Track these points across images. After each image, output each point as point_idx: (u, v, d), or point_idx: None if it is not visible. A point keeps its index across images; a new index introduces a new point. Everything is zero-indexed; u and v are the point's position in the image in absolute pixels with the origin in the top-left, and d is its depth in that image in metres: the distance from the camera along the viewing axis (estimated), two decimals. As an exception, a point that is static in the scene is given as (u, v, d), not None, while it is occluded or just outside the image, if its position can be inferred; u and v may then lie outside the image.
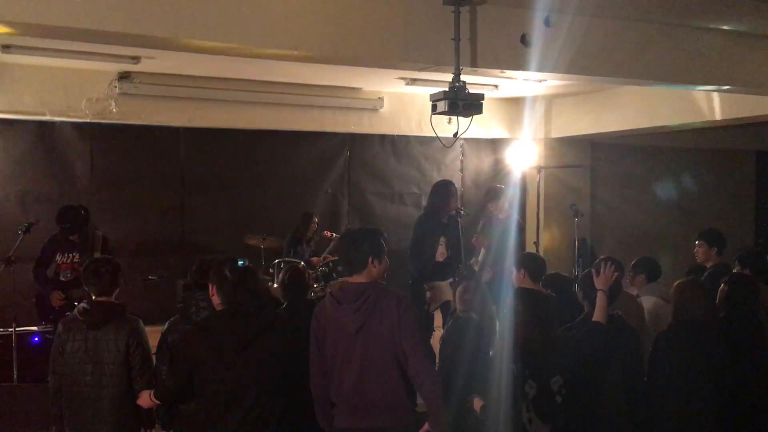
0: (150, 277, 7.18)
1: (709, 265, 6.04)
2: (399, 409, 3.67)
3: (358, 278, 3.71)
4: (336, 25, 5.43)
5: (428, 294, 6.56)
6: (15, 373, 5.74)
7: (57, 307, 6.02)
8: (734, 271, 5.73)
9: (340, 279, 7.58)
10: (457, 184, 7.48)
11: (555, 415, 3.81)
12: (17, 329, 5.88)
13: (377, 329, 3.61)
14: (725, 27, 6.63)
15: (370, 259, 3.68)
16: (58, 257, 6.17)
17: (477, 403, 4.06)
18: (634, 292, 5.45)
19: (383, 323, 3.61)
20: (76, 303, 4.74)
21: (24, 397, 4.94)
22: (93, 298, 4.29)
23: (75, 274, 6.05)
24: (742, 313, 4.67)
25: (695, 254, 6.22)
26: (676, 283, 4.47)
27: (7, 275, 5.94)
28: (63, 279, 6.17)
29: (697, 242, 6.21)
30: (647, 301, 5.36)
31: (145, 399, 4.13)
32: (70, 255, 6.18)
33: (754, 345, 4.64)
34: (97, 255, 5.84)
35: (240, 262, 3.80)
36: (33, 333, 6.20)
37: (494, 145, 11.05)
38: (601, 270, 4.19)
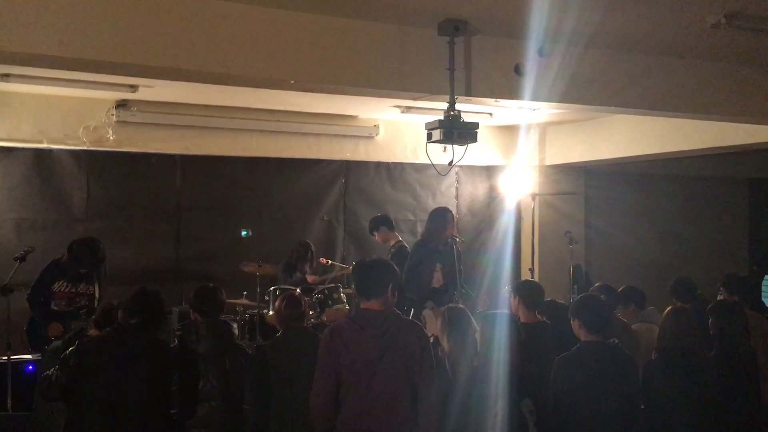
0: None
1: None
2: None
3: (375, 305, 3.75)
4: (332, 54, 5.49)
5: (425, 312, 6.45)
6: (9, 402, 5.71)
7: (53, 338, 5.95)
8: (719, 297, 5.73)
9: (335, 306, 7.60)
10: (452, 211, 7.46)
11: None
12: (12, 357, 5.86)
13: (398, 358, 3.66)
14: (715, 58, 6.72)
15: (390, 287, 3.77)
16: (55, 285, 6.06)
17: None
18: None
19: (405, 352, 3.67)
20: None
21: (19, 427, 4.91)
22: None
23: (70, 305, 5.97)
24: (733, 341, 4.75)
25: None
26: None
27: (2, 303, 5.92)
28: (55, 308, 6.06)
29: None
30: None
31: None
32: (76, 285, 6.06)
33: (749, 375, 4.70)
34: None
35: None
36: (28, 361, 6.16)
37: (489, 172, 11.10)
38: None
